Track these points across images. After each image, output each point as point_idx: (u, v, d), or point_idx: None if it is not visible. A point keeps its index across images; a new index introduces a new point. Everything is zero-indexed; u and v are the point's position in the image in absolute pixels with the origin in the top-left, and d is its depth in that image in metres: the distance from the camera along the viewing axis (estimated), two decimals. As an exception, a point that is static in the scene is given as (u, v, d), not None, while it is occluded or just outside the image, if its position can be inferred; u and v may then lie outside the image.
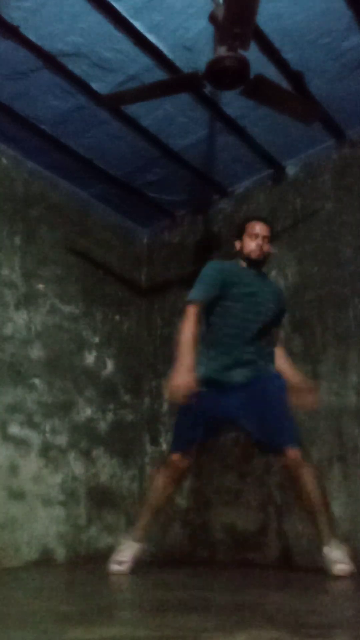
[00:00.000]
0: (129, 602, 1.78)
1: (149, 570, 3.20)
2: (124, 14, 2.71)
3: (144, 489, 4.03)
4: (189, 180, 4.02)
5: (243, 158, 3.81)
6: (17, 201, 3.68)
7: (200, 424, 2.64)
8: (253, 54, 2.46)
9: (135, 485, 4.03)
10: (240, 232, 2.85)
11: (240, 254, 2.83)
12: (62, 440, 3.61)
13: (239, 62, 2.29)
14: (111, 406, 4.00)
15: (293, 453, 2.48)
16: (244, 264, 2.82)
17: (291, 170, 3.86)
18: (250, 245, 2.77)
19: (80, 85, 3.13)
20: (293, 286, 3.64)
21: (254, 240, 2.77)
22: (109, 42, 2.87)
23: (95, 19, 2.74)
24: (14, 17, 2.72)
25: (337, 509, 3.11)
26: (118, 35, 2.83)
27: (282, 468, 2.69)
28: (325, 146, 3.68)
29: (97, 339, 4.01)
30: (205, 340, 2.72)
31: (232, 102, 3.25)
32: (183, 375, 2.49)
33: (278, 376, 2.70)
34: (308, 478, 2.48)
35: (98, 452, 3.83)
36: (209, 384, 2.60)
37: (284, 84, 3.05)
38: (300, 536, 3.23)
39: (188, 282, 3.75)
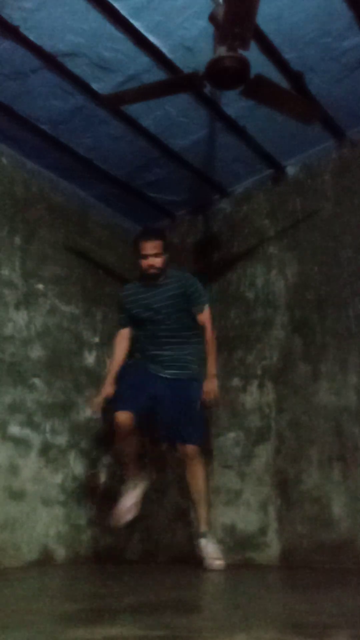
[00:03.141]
0: (129, 602, 1.78)
1: (148, 570, 3.21)
2: (124, 14, 2.71)
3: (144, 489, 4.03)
4: (189, 180, 4.02)
5: (243, 158, 3.81)
6: (17, 201, 3.68)
7: (140, 388, 3.09)
8: (253, 54, 2.46)
9: (135, 485, 4.02)
10: (136, 252, 3.22)
11: (140, 271, 3.25)
12: (62, 440, 3.61)
13: (239, 62, 2.29)
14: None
15: (188, 449, 3.05)
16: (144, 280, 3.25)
17: (291, 170, 3.86)
18: (143, 265, 3.17)
19: (80, 85, 3.13)
20: (293, 286, 3.64)
21: (145, 260, 3.15)
22: (109, 42, 2.87)
23: (95, 19, 2.74)
24: (14, 17, 2.72)
25: (337, 509, 3.12)
26: (118, 35, 2.83)
27: (180, 459, 3.18)
28: (325, 146, 3.68)
29: (97, 339, 4.00)
30: (137, 344, 3.34)
31: (232, 102, 3.24)
32: (104, 390, 3.19)
33: (195, 381, 3.15)
34: (196, 472, 3.07)
35: (98, 452, 3.83)
36: (144, 364, 3.18)
37: (284, 84, 3.05)
38: (300, 536, 3.23)
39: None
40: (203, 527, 3.06)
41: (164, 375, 3.13)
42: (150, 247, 3.12)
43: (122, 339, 3.36)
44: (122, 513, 3.05)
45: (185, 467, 3.13)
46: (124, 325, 3.38)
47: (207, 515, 3.12)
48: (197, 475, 3.08)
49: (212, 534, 3.11)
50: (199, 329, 3.22)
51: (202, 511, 3.09)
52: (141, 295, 3.24)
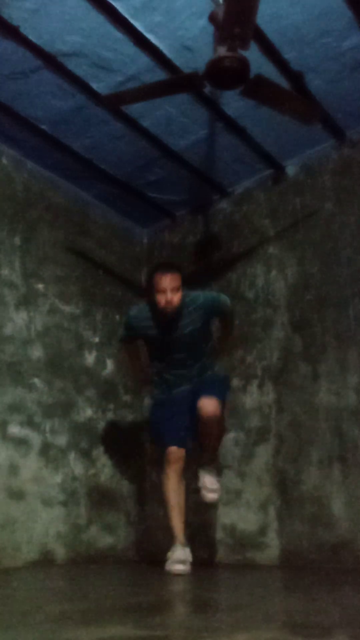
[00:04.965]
0: (129, 602, 1.78)
1: (148, 570, 3.21)
2: (124, 14, 2.71)
3: (144, 489, 4.04)
4: (189, 180, 4.02)
5: (243, 158, 3.81)
6: (17, 201, 3.68)
7: (182, 411, 2.97)
8: (253, 54, 2.46)
9: (135, 485, 4.03)
10: (150, 285, 2.89)
11: (154, 304, 2.88)
12: (62, 440, 3.61)
13: (239, 62, 2.29)
14: (111, 406, 4.00)
15: (205, 400, 2.84)
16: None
17: (291, 170, 3.86)
18: (160, 302, 2.82)
19: (80, 85, 3.13)
20: (293, 286, 3.64)
21: (162, 296, 2.80)
22: (109, 42, 2.87)
23: (95, 19, 2.74)
24: (14, 17, 2.72)
25: (337, 509, 3.12)
26: (118, 35, 2.83)
27: (198, 411, 2.89)
28: (325, 146, 3.68)
29: (97, 339, 4.01)
30: (151, 369, 3.19)
31: (232, 102, 3.24)
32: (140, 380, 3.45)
33: (215, 368, 3.10)
34: (213, 427, 2.85)
35: (98, 452, 3.83)
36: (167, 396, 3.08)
37: (284, 84, 3.05)
38: (300, 536, 3.23)
39: (188, 282, 3.75)
40: (205, 460, 2.98)
41: (188, 387, 3.02)
42: (169, 280, 2.78)
43: (133, 349, 3.26)
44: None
45: (201, 424, 2.86)
46: (129, 342, 3.22)
47: (214, 455, 3.02)
48: (212, 429, 2.87)
49: (213, 469, 3.00)
50: (212, 339, 3.16)
51: (208, 450, 2.95)
52: (154, 325, 2.96)
